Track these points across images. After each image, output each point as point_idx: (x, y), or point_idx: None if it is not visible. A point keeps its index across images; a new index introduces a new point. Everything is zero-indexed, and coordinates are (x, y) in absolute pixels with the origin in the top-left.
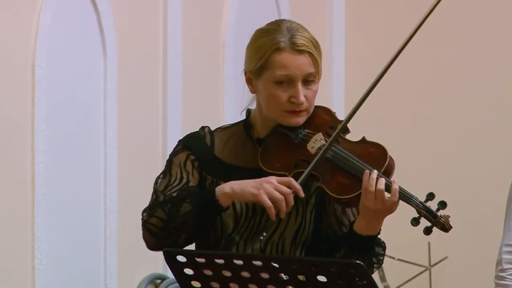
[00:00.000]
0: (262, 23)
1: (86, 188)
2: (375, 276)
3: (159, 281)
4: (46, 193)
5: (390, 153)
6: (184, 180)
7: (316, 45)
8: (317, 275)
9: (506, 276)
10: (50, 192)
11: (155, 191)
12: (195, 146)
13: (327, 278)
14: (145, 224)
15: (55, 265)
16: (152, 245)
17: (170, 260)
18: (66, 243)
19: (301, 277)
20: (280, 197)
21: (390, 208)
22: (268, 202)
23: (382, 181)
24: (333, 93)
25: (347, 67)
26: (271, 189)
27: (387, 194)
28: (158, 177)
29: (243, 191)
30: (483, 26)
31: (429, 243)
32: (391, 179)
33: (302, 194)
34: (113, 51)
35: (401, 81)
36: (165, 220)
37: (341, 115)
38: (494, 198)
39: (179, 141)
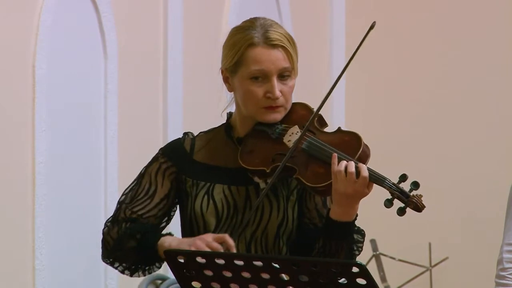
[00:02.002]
0: None
1: (86, 188)
2: (375, 276)
3: (159, 281)
4: (47, 193)
5: (392, 153)
6: (151, 192)
7: (290, 40)
8: (317, 275)
9: (507, 275)
10: (50, 192)
11: (120, 203)
12: (172, 153)
13: (327, 279)
14: (103, 235)
15: (55, 265)
16: (103, 257)
17: (171, 261)
18: (66, 243)
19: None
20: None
21: (361, 189)
22: None
23: (352, 163)
24: (333, 93)
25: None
26: (202, 245)
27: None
28: (128, 185)
29: (178, 247)
30: (483, 27)
31: (429, 244)
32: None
33: (234, 250)
34: (114, 51)
35: (401, 81)
36: (115, 242)
37: (340, 115)
38: (495, 198)
39: (159, 149)
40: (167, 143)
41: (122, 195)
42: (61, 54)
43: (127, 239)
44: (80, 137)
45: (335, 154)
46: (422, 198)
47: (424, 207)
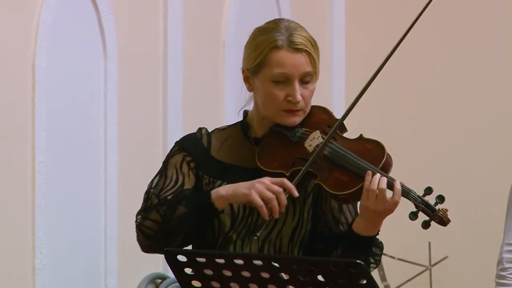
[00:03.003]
0: (262, 23)
1: (86, 187)
2: (375, 275)
3: (159, 280)
4: (47, 192)
5: (391, 152)
6: (180, 182)
7: (314, 44)
8: (317, 274)
9: (507, 275)
10: (50, 192)
11: (149, 193)
12: (191, 147)
13: (327, 278)
14: (140, 226)
15: (55, 264)
16: (146, 248)
17: (171, 260)
18: (66, 243)
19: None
20: (272, 196)
21: (390, 208)
22: (259, 201)
23: (384, 180)
24: (333, 93)
25: (347, 67)
26: (262, 188)
27: (388, 194)
28: (153, 178)
29: (235, 192)
30: (483, 27)
31: (429, 243)
32: (394, 178)
33: (295, 193)
34: (114, 50)
35: (401, 80)
36: (160, 222)
37: (340, 115)
38: (495, 198)
39: (176, 142)
40: (182, 136)
41: (149, 187)
42: (61, 54)
43: (174, 210)
44: (80, 136)
45: (370, 171)
46: (448, 213)
47: (450, 221)
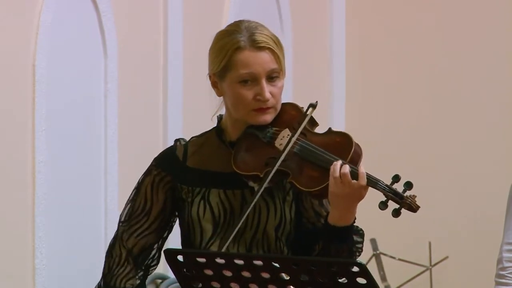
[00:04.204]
0: (262, 23)
1: (86, 187)
2: (376, 275)
3: (159, 281)
4: (47, 192)
5: (392, 151)
6: (147, 208)
7: (276, 41)
8: (318, 274)
9: (507, 274)
10: (50, 192)
11: (120, 221)
12: (166, 163)
13: (327, 278)
14: (107, 252)
15: (55, 264)
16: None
17: (171, 260)
18: (66, 243)
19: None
20: None
21: (359, 193)
22: None
23: (346, 166)
24: (333, 93)
25: (348, 66)
26: None
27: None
28: (126, 202)
29: None
30: (483, 27)
31: (429, 243)
32: (358, 166)
33: None
34: (114, 50)
35: (401, 81)
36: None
37: (341, 115)
38: (495, 197)
39: (153, 159)
40: (161, 151)
41: (122, 212)
42: (61, 53)
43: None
44: (80, 136)
45: (334, 161)
46: (416, 198)
47: (419, 207)
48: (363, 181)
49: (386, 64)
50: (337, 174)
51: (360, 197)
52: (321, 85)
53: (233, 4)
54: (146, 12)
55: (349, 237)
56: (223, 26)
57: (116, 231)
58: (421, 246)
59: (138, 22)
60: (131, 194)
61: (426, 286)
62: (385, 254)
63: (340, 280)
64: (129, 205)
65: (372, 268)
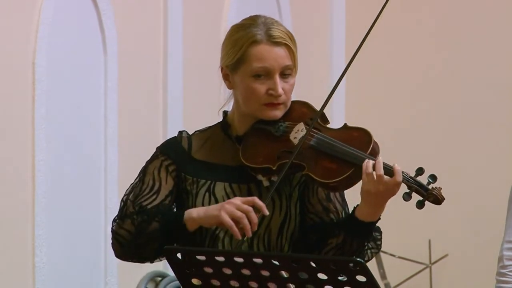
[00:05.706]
0: None
1: (86, 186)
2: (375, 273)
3: (159, 278)
4: (47, 191)
5: (390, 149)
6: (156, 188)
7: (292, 38)
8: (317, 272)
9: (507, 272)
10: (50, 190)
11: (125, 201)
12: (171, 151)
13: (327, 275)
14: (114, 234)
15: (55, 262)
16: (120, 255)
17: (170, 258)
18: (66, 241)
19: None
20: (241, 215)
21: (392, 189)
22: (229, 221)
23: (381, 163)
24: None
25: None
26: (232, 208)
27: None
28: (131, 184)
29: (206, 215)
30: (483, 27)
31: (429, 241)
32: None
33: (266, 212)
34: (114, 49)
35: (401, 80)
36: (133, 233)
37: (341, 115)
38: (495, 196)
39: (157, 148)
40: (163, 141)
41: (125, 194)
42: (61, 52)
43: (147, 224)
44: (80, 134)
45: (367, 160)
46: (441, 191)
47: (444, 199)
48: (399, 177)
49: (386, 63)
50: (370, 170)
51: (393, 193)
52: (322, 85)
53: (233, 4)
54: (146, 10)
55: (372, 233)
56: (223, 26)
57: (121, 209)
58: (421, 244)
59: (138, 20)
60: (136, 178)
61: (426, 284)
62: (385, 252)
63: (339, 278)
64: (135, 186)
65: (372, 266)
